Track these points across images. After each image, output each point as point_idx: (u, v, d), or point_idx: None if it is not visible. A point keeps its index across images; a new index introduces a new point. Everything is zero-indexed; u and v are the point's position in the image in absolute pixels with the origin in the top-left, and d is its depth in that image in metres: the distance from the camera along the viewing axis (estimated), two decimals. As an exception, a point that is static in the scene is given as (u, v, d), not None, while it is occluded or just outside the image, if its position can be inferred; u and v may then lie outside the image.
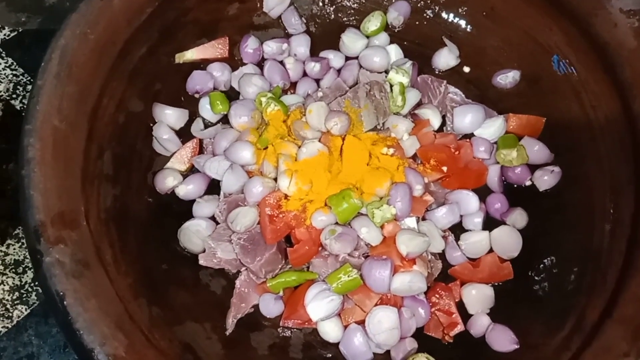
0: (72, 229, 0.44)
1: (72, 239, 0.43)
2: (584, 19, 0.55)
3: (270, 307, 0.55)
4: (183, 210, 0.59)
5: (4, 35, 0.71)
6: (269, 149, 0.57)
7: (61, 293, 0.41)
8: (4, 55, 0.70)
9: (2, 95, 0.68)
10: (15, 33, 0.71)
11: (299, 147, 0.56)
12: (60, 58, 0.46)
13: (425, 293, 0.56)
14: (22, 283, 0.62)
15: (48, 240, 0.42)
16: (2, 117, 0.65)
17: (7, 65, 0.70)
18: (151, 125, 0.60)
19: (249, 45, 0.63)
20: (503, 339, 0.54)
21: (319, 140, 0.56)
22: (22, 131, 0.44)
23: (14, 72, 0.69)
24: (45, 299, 0.42)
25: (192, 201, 0.59)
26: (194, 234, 0.57)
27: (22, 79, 0.69)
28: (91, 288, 0.43)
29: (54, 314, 0.42)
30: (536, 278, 0.58)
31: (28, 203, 0.43)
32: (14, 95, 0.68)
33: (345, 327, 0.55)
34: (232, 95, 0.63)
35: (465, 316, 0.57)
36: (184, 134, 0.61)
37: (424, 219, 0.58)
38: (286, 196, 0.55)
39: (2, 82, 0.69)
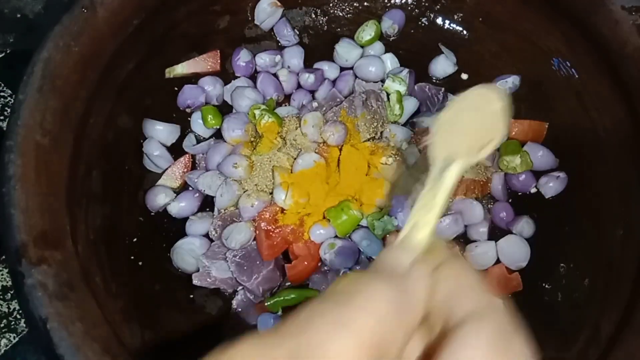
0: (56, 248, 0.42)
1: (55, 259, 0.41)
2: (584, 19, 0.53)
3: (269, 327, 0.53)
4: (176, 228, 0.57)
5: (-8, 56, 0.69)
6: (264, 162, 0.55)
7: (44, 317, 0.38)
8: (-9, 76, 0.68)
9: (-10, 117, 0.66)
10: (3, 54, 0.70)
11: (295, 158, 0.54)
12: (42, 71, 0.44)
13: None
14: (10, 310, 0.59)
15: (30, 261, 0.40)
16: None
17: (-6, 86, 0.68)
18: (141, 141, 0.58)
19: (241, 58, 0.62)
20: (515, 354, 0.51)
21: (315, 151, 0.54)
22: (3, 147, 0.42)
23: (2, 94, 0.68)
24: (29, 324, 0.40)
25: (185, 219, 0.57)
26: (187, 252, 0.55)
27: (10, 100, 0.67)
28: (76, 311, 0.40)
29: (37, 339, 0.39)
30: (547, 288, 0.55)
31: (8, 222, 0.40)
32: (1, 117, 0.67)
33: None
34: (224, 109, 0.61)
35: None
36: (175, 150, 0.59)
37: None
38: (282, 210, 0.53)
39: (-11, 104, 0.67)
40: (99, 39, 0.48)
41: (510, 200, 0.60)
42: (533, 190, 0.59)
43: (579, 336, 0.51)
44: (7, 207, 0.41)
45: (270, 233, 0.52)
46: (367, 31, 0.63)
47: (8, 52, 0.70)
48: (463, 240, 0.58)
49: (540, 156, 0.58)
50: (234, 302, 0.54)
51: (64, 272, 0.41)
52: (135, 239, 0.55)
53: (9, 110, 0.67)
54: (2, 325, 0.59)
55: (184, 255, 0.55)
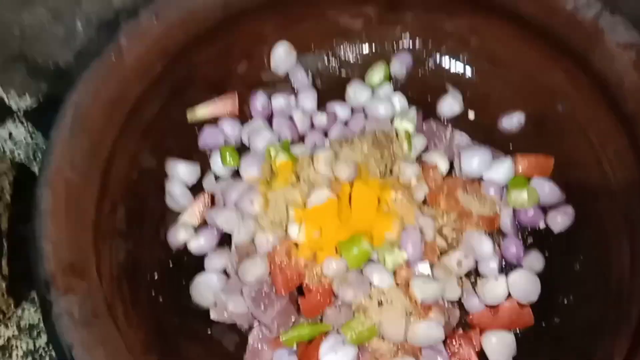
0: (82, 278, 0.44)
1: (82, 288, 0.44)
2: (583, 56, 0.56)
3: (285, 362, 0.54)
4: (195, 264, 0.59)
5: (25, 103, 0.74)
6: (279, 199, 0.57)
7: (69, 343, 0.41)
8: (24, 121, 0.72)
9: (22, 160, 0.70)
10: (35, 100, 0.74)
11: (308, 195, 0.56)
12: (73, 113, 0.48)
13: (444, 342, 0.54)
14: (36, 347, 0.61)
15: (58, 290, 0.42)
16: (20, 181, 0.66)
17: (28, 132, 0.72)
18: (163, 180, 0.61)
19: (258, 101, 0.65)
20: (528, 387, 0.52)
21: (328, 188, 0.57)
22: (36, 183, 0.45)
23: (35, 140, 0.72)
24: (55, 350, 0.42)
25: (204, 255, 0.59)
26: (205, 288, 0.57)
27: (42, 146, 0.71)
28: (99, 338, 0.42)
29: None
30: (557, 320, 0.56)
31: (39, 254, 0.43)
32: (33, 161, 0.70)
33: (363, 380, 0.53)
34: (242, 149, 0.64)
35: (486, 366, 0.55)
36: (195, 189, 0.62)
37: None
38: (296, 245, 0.55)
39: (21, 148, 0.71)
40: (125, 83, 0.52)
41: (519, 236, 0.61)
42: (542, 225, 0.60)
43: (592, 367, 0.51)
44: (38, 239, 0.43)
45: (285, 267, 0.54)
46: (376, 74, 0.66)
47: (41, 100, 0.74)
48: (474, 275, 0.59)
49: (547, 191, 0.60)
50: (250, 338, 0.55)
51: (88, 301, 0.43)
52: (156, 275, 0.57)
53: (40, 154, 0.71)
54: (27, 360, 0.61)
55: (202, 290, 0.57)
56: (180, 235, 0.59)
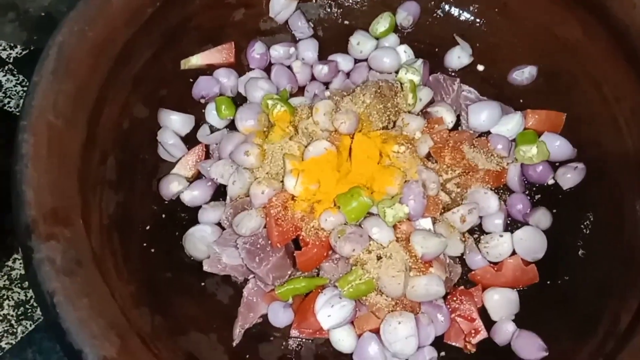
0: (65, 226, 0.42)
1: (65, 236, 0.42)
2: (600, 4, 0.52)
3: (280, 316, 0.52)
4: (188, 217, 0.57)
5: (16, 53, 0.71)
6: (275, 150, 0.55)
7: (50, 290, 0.39)
8: (15, 72, 0.70)
9: (13, 111, 0.68)
10: (27, 51, 0.72)
11: (306, 146, 0.54)
12: (57, 55, 0.45)
13: (444, 298, 0.53)
14: (28, 298, 0.60)
15: (39, 236, 0.40)
16: (12, 131, 0.64)
17: (18, 82, 0.70)
18: (156, 131, 0.59)
19: (256, 50, 0.62)
20: (530, 346, 0.50)
21: (327, 139, 0.54)
22: (17, 127, 0.43)
23: (25, 89, 0.70)
24: (37, 301, 0.40)
25: (198, 208, 0.57)
26: (199, 240, 0.55)
27: (33, 95, 0.69)
28: (83, 287, 0.41)
29: (44, 313, 0.40)
30: (564, 280, 0.54)
31: (20, 199, 0.41)
32: (24, 111, 0.68)
33: (359, 336, 0.51)
34: (238, 100, 0.62)
35: (488, 323, 0.53)
36: (189, 141, 0.60)
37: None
38: (293, 197, 0.53)
39: (12, 99, 0.69)
40: (112, 25, 0.49)
41: (526, 192, 0.58)
42: (550, 181, 0.58)
43: (597, 328, 0.49)
44: (19, 184, 0.41)
45: (280, 220, 0.52)
46: (381, 23, 0.63)
47: (32, 49, 0.72)
48: (478, 231, 0.57)
49: (558, 146, 0.57)
50: (245, 291, 0.54)
51: (72, 249, 0.42)
52: (148, 227, 0.56)
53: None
54: (19, 312, 0.60)
55: (195, 242, 0.55)
56: (172, 186, 0.57)
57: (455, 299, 0.52)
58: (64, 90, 0.45)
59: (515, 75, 0.61)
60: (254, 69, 0.63)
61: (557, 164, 0.58)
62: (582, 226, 0.56)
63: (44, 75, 0.45)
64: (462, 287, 0.54)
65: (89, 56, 0.47)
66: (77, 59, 0.46)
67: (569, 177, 0.57)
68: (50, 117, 0.44)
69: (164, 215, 0.57)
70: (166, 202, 0.57)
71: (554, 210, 0.57)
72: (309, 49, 0.63)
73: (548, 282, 0.54)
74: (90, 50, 0.47)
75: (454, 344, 0.52)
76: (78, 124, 0.47)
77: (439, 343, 0.52)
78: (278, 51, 0.62)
